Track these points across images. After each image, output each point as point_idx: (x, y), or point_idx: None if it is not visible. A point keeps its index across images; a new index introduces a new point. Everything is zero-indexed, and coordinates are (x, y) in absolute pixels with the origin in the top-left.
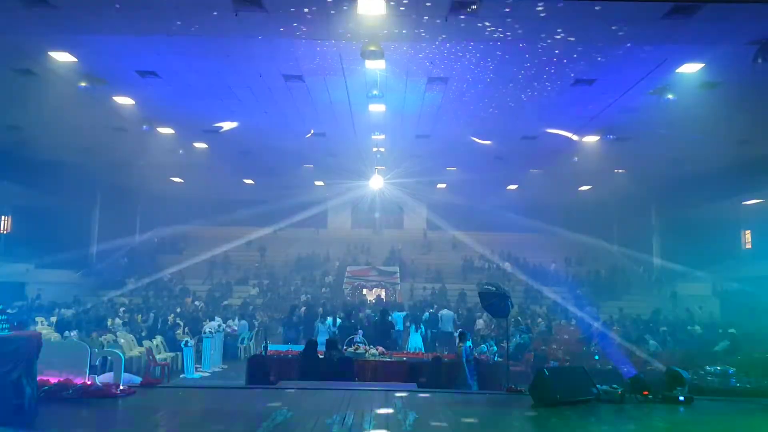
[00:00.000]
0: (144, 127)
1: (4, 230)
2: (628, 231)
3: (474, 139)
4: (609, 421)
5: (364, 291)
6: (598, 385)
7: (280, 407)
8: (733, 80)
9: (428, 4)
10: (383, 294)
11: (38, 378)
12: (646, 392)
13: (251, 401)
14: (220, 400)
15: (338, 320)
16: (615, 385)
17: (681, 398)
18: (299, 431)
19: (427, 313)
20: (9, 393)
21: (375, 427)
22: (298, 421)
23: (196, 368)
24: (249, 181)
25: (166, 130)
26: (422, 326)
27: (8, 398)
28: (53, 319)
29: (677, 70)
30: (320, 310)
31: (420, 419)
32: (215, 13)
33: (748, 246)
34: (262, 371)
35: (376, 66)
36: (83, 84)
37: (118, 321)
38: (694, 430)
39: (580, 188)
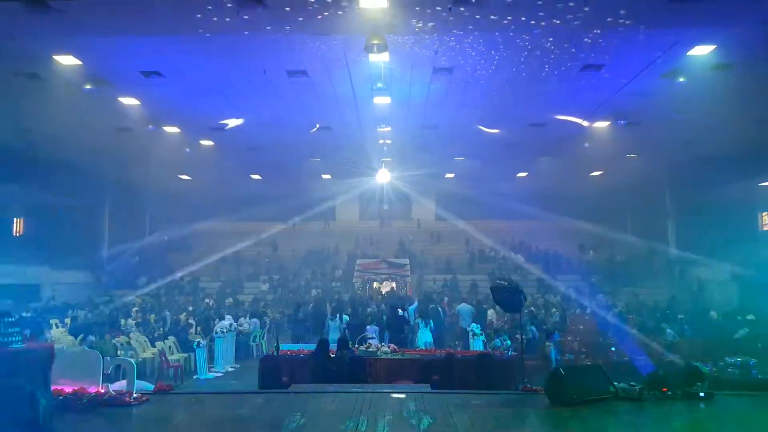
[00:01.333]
0: (150, 126)
1: (17, 232)
2: (642, 216)
3: (481, 128)
4: (627, 420)
5: (375, 284)
6: (615, 383)
7: (292, 414)
8: (746, 60)
9: None
10: (394, 287)
11: (52, 387)
12: (665, 389)
13: (264, 408)
14: (233, 406)
15: (345, 318)
16: (633, 383)
17: (701, 394)
18: None
19: (431, 307)
20: (24, 406)
21: None
22: (311, 429)
23: (209, 368)
24: (256, 177)
25: (172, 129)
26: (431, 321)
27: (23, 411)
28: (68, 321)
29: (688, 53)
30: (329, 306)
31: (434, 423)
32: (217, 11)
33: (766, 228)
34: (275, 373)
35: (380, 59)
36: (88, 86)
37: (131, 321)
38: (715, 428)
39: (591, 174)
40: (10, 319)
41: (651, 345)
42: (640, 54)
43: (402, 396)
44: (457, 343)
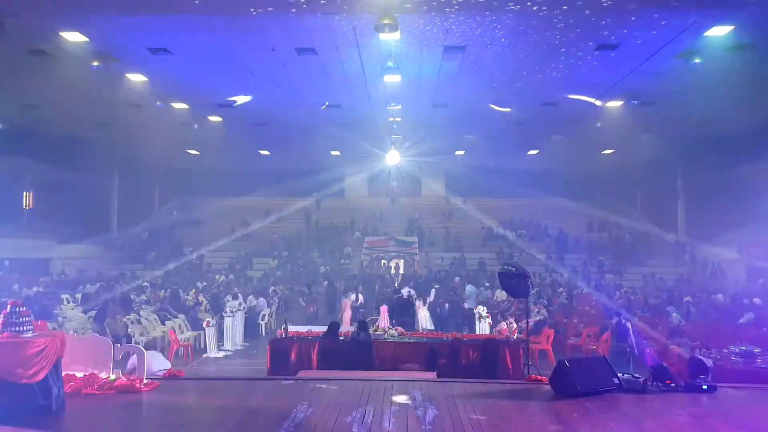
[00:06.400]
0: (158, 103)
1: (26, 206)
2: (653, 195)
3: (493, 106)
4: (631, 414)
5: (383, 262)
6: (619, 374)
7: (300, 404)
8: (764, 41)
9: None
10: (402, 265)
11: (64, 373)
12: (668, 381)
13: (273, 396)
14: (242, 394)
15: (360, 296)
16: (637, 375)
17: (704, 387)
18: (320, 430)
19: (433, 289)
20: (36, 394)
21: (394, 425)
22: (318, 419)
23: (219, 346)
24: (265, 152)
25: (180, 105)
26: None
27: (36, 399)
28: (78, 296)
29: (706, 33)
30: (340, 284)
31: (439, 415)
32: None
33: None
34: (284, 355)
35: (390, 37)
36: (95, 63)
37: (143, 297)
38: (718, 424)
39: (602, 152)
40: (20, 309)
41: (657, 339)
42: (656, 34)
43: (408, 384)
44: (464, 327)
